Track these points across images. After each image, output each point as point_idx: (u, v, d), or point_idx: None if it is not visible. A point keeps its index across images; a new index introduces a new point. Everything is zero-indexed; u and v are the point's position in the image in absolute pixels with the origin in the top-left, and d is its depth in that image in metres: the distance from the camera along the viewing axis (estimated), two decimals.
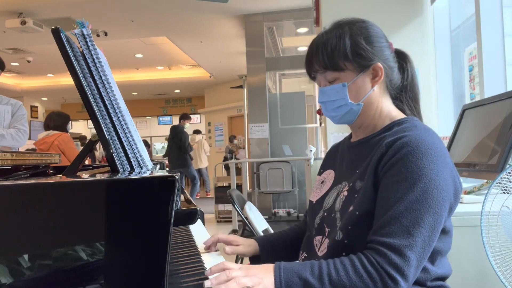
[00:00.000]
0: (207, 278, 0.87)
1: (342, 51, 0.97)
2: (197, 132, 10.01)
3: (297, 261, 1.10)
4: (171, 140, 7.23)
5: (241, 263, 3.15)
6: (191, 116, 14.48)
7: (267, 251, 1.18)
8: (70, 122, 3.88)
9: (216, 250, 1.18)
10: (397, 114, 1.04)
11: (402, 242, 0.82)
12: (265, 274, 0.83)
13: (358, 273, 0.81)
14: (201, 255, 1.10)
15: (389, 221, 0.84)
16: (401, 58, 1.07)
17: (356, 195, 0.94)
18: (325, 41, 0.98)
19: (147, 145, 10.75)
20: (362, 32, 0.99)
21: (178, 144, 7.05)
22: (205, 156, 9.55)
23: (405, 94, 1.08)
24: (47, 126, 3.73)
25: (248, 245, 1.18)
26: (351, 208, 0.93)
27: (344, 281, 0.81)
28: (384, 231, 0.84)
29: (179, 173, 0.72)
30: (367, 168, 0.95)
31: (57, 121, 3.73)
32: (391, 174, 0.88)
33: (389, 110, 1.04)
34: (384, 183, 0.89)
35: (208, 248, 1.18)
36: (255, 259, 1.20)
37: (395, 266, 0.80)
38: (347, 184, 1.00)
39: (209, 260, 1.06)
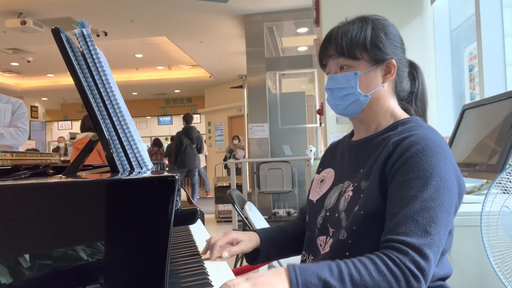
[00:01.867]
0: (208, 280, 0.87)
1: (362, 40, 0.98)
2: None
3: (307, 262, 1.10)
4: (188, 139, 7.28)
5: (241, 264, 3.14)
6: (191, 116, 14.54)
7: (268, 245, 1.15)
8: None
9: (219, 257, 1.11)
10: (401, 114, 1.04)
11: (421, 241, 0.80)
12: (277, 279, 0.77)
13: (381, 272, 0.78)
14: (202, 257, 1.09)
15: (405, 220, 0.83)
16: (413, 67, 1.09)
17: (361, 195, 0.94)
18: (346, 30, 1.00)
19: (160, 144, 10.76)
20: (383, 27, 1.01)
21: (198, 145, 7.20)
22: (203, 156, 9.58)
23: (414, 99, 1.09)
24: (86, 128, 3.82)
25: (249, 240, 1.13)
26: (356, 208, 0.93)
27: (366, 281, 0.77)
28: (401, 230, 0.82)
29: (179, 173, 0.72)
30: (372, 168, 0.94)
31: (91, 123, 3.74)
32: (402, 173, 0.88)
33: (394, 110, 1.04)
34: (395, 182, 0.89)
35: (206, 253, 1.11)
36: (252, 255, 1.16)
37: (418, 265, 0.79)
38: (351, 184, 0.99)
39: (210, 265, 1.06)
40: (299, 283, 0.76)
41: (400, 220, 0.84)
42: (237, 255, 3.24)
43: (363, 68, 0.99)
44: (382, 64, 1.00)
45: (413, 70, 1.09)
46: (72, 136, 15.26)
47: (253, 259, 1.17)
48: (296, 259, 1.19)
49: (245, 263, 3.17)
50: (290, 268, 0.79)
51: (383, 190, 0.91)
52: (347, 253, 0.92)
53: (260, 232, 1.17)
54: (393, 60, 1.00)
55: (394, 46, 1.02)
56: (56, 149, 10.48)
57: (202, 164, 9.54)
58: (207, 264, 1.01)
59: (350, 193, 0.97)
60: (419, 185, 0.85)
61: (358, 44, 0.98)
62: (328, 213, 1.02)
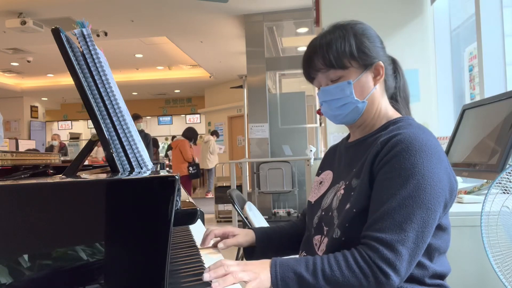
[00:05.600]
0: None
1: (348, 49, 0.99)
2: (213, 133, 10.03)
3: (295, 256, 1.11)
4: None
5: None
6: (191, 116, 14.53)
7: (264, 242, 1.19)
8: (197, 136, 6.99)
9: (214, 247, 1.16)
10: (393, 114, 1.06)
11: (394, 237, 0.83)
12: (262, 269, 0.85)
13: (351, 269, 0.83)
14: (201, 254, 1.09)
15: (382, 216, 0.86)
16: (393, 62, 1.10)
17: (352, 193, 0.95)
18: (329, 41, 1.00)
19: (156, 145, 10.70)
20: (363, 32, 1.02)
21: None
22: (211, 157, 9.58)
23: (399, 95, 1.11)
24: (182, 134, 6.81)
25: (245, 235, 1.18)
26: (347, 206, 0.94)
27: (337, 276, 0.83)
28: (377, 226, 0.85)
29: (178, 173, 0.72)
30: (363, 166, 0.96)
31: (186, 134, 6.77)
32: (385, 171, 0.90)
33: (386, 110, 1.06)
34: (378, 180, 0.91)
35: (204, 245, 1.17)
36: (249, 250, 1.20)
37: (387, 260, 0.82)
38: (344, 183, 1.01)
39: (208, 260, 1.06)
40: (278, 277, 0.84)
41: (377, 217, 0.87)
42: (237, 256, 3.25)
43: (354, 76, 1.00)
44: (371, 67, 1.02)
45: (394, 65, 1.10)
46: (74, 136, 15.25)
47: (250, 254, 1.20)
48: None
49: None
50: (272, 262, 0.87)
51: (372, 188, 0.93)
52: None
53: (256, 229, 1.21)
54: (380, 62, 1.02)
55: (377, 47, 1.03)
56: (50, 148, 9.40)
57: (211, 165, 9.48)
58: (207, 264, 1.01)
59: (342, 191, 1.00)
60: (399, 183, 0.87)
61: (345, 54, 0.99)
62: (323, 213, 1.05)
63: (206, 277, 0.81)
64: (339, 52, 0.99)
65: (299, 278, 0.83)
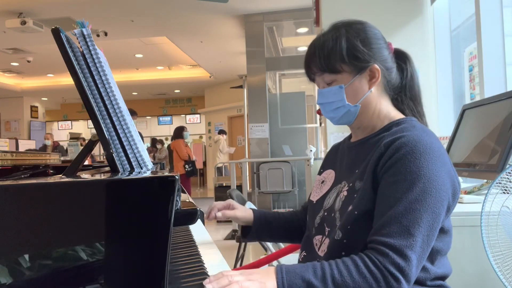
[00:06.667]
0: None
1: (339, 53, 0.97)
2: (221, 132, 10.14)
3: (297, 262, 1.11)
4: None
5: (241, 264, 3.14)
6: (191, 116, 14.54)
7: (261, 224, 1.20)
8: (184, 130, 6.98)
9: (218, 220, 1.18)
10: (396, 115, 1.04)
11: (402, 243, 0.82)
12: (267, 277, 0.82)
13: (362, 274, 0.80)
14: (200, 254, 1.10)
15: (389, 221, 0.84)
16: (400, 58, 1.07)
17: (355, 195, 0.95)
18: (322, 44, 0.99)
19: (155, 146, 10.66)
20: (359, 34, 0.99)
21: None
22: (220, 155, 9.61)
23: (404, 94, 1.07)
24: (172, 137, 7.08)
25: (244, 211, 1.19)
26: (350, 208, 0.93)
27: (347, 282, 0.80)
28: (385, 231, 0.84)
29: (178, 173, 0.72)
30: (366, 168, 0.95)
31: (176, 134, 6.91)
32: (390, 174, 0.89)
33: (388, 111, 1.04)
34: (383, 183, 0.90)
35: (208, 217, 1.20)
36: (246, 230, 1.21)
37: (397, 266, 0.80)
38: (346, 184, 1.01)
39: (208, 260, 1.06)
40: (285, 284, 0.80)
41: (384, 221, 0.85)
42: (237, 255, 3.25)
43: (346, 80, 0.99)
44: (365, 71, 0.99)
45: (401, 61, 1.06)
46: (74, 136, 15.24)
47: (245, 234, 1.22)
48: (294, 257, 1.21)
49: (245, 263, 3.17)
50: (278, 269, 0.83)
51: (375, 191, 0.92)
52: (343, 253, 0.93)
53: (255, 210, 1.22)
54: (375, 65, 0.99)
55: (374, 48, 0.99)
56: (43, 148, 8.99)
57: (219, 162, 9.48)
58: (207, 264, 1.01)
59: (345, 193, 0.99)
60: (405, 186, 0.86)
61: (336, 58, 0.97)
62: (325, 213, 1.04)
63: (209, 287, 0.78)
64: (330, 56, 0.97)
65: (308, 285, 0.80)
